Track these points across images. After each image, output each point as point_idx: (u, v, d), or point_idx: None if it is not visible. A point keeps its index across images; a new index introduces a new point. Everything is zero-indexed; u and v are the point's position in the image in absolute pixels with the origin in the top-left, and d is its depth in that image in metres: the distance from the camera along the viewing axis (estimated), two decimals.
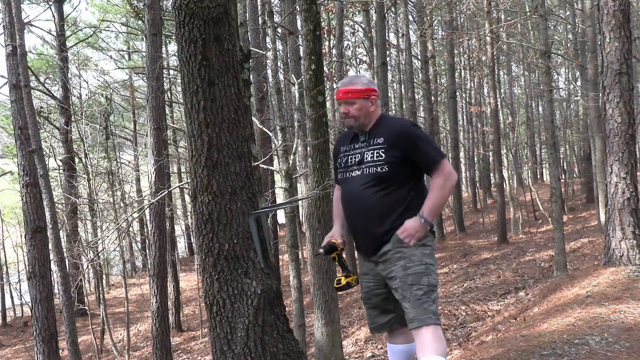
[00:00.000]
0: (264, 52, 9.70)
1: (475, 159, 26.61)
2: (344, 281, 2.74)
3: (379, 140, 2.63)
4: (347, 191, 2.71)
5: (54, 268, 9.73)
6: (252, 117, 6.43)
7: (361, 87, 2.68)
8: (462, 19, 21.52)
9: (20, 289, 18.84)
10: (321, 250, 2.76)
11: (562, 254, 8.83)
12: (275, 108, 9.92)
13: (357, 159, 2.68)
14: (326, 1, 12.93)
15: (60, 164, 16.70)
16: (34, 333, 7.75)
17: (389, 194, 2.58)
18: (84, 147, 12.78)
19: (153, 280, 8.83)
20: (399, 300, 2.56)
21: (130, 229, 13.50)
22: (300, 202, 10.30)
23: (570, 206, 19.89)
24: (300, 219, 19.22)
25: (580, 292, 4.92)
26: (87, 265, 12.33)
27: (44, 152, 11.78)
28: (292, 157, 7.62)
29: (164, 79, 12.46)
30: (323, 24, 13.49)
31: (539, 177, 33.48)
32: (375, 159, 2.60)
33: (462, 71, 25.81)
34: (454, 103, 20.03)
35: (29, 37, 19.30)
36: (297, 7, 9.30)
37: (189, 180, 3.29)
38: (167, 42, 18.88)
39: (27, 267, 8.16)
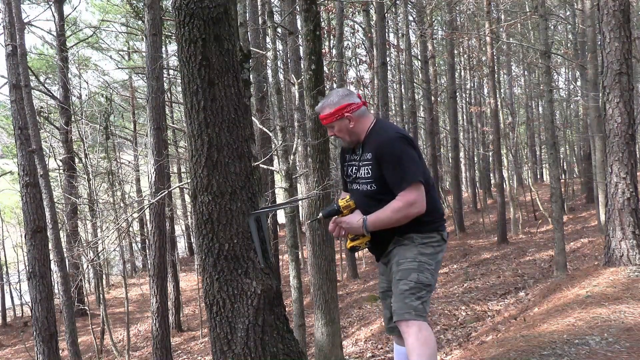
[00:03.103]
0: (264, 52, 9.70)
1: (475, 159, 26.61)
2: (349, 244, 2.66)
3: (367, 156, 2.57)
4: (354, 201, 2.70)
5: (54, 268, 9.73)
6: (252, 117, 6.43)
7: (331, 109, 2.59)
8: (462, 19, 21.52)
9: (20, 289, 18.83)
10: (320, 215, 2.66)
11: (562, 254, 8.83)
12: (275, 108, 9.92)
13: (355, 173, 2.66)
14: (326, 1, 12.93)
15: (60, 164, 16.70)
16: (34, 333, 7.75)
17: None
18: (84, 147, 12.77)
19: (153, 280, 8.83)
20: None
21: (130, 229, 13.50)
22: (300, 202, 10.30)
23: (570, 206, 19.89)
24: (300, 219, 19.21)
25: (580, 292, 4.92)
26: (87, 265, 12.34)
27: (44, 152, 11.78)
28: (292, 157, 7.62)
29: (164, 79, 12.46)
30: (323, 24, 13.49)
31: (539, 177, 33.47)
32: (365, 176, 2.58)
33: (462, 71, 25.83)
34: (454, 103, 20.03)
35: (29, 37, 19.29)
36: (297, 7, 9.30)
37: (189, 180, 3.29)
38: (167, 42, 18.87)
39: (27, 267, 8.16)
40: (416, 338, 2.37)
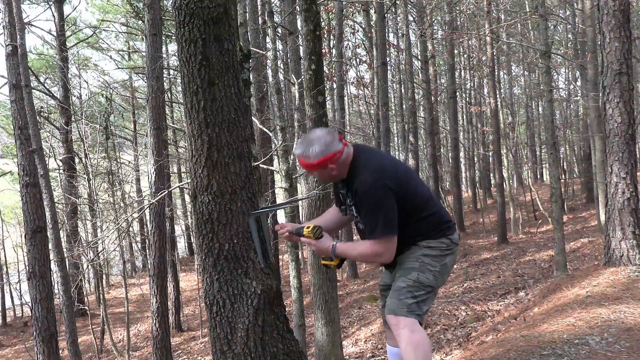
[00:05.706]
0: (264, 52, 9.70)
1: (475, 159, 26.60)
2: (322, 262, 2.71)
3: (350, 195, 2.56)
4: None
5: (54, 268, 9.73)
6: (252, 117, 6.43)
7: (314, 160, 2.46)
8: (462, 19, 21.52)
9: (20, 289, 18.83)
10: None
11: (562, 254, 8.82)
12: (275, 108, 9.93)
13: (348, 205, 2.64)
14: (326, 1, 12.93)
15: (60, 164, 16.70)
16: (34, 333, 7.75)
17: None
18: (84, 147, 12.76)
19: (153, 280, 8.84)
20: None
21: (130, 229, 13.50)
22: (300, 202, 10.30)
23: (570, 206, 19.88)
24: (300, 219, 19.20)
25: (580, 292, 4.92)
26: (87, 265, 12.34)
27: (44, 152, 11.78)
28: (292, 157, 7.61)
29: (164, 79, 12.47)
30: (323, 24, 13.49)
31: (539, 177, 33.47)
32: (354, 214, 2.58)
33: (462, 71, 25.81)
34: (454, 103, 20.03)
35: (29, 37, 19.26)
36: (297, 7, 9.30)
37: (189, 180, 3.29)
38: (167, 42, 18.89)
39: (27, 267, 8.16)
40: (409, 342, 2.34)
